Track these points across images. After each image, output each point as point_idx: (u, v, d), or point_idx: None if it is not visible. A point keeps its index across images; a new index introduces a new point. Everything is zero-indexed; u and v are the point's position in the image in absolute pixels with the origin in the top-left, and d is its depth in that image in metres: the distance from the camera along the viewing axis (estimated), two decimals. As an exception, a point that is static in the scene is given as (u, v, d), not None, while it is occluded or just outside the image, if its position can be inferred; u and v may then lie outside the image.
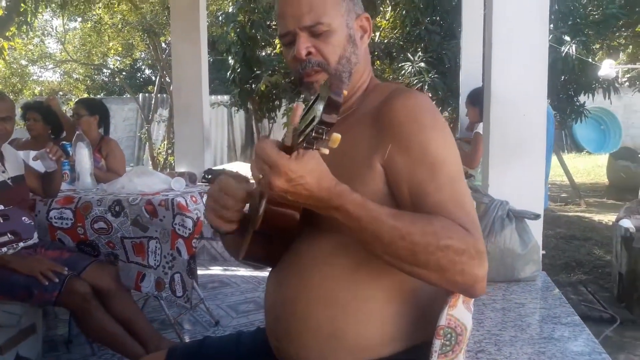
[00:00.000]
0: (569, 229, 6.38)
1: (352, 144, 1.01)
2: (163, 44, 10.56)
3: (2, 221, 1.09)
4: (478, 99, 3.54)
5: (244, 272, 3.87)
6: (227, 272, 3.94)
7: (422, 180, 0.96)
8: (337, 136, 0.79)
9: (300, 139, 0.81)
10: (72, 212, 2.55)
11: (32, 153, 2.77)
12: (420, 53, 7.00)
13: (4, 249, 1.09)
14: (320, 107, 0.76)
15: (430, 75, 6.55)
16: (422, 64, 6.71)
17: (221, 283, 3.70)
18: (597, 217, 7.20)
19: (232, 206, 1.01)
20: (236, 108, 8.61)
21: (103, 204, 2.52)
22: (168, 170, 8.58)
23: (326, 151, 0.82)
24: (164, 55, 10.07)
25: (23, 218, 1.11)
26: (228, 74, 7.90)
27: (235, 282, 3.71)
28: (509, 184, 2.14)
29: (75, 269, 2.26)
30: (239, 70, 7.59)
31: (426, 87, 6.62)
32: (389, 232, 0.89)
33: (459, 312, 1.01)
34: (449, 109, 7.28)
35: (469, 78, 4.46)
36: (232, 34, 7.73)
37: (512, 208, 1.97)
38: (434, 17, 7.28)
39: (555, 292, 1.96)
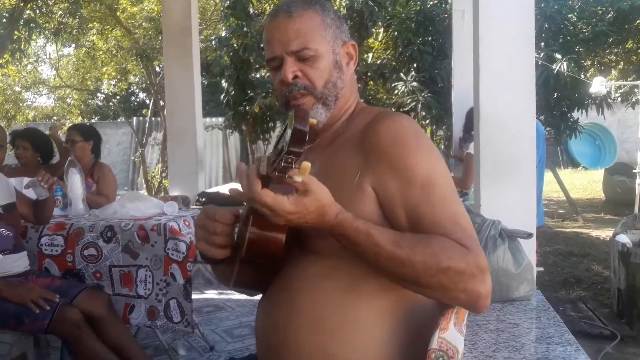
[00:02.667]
0: (566, 245, 6.36)
1: (341, 167, 1.02)
2: (157, 68, 10.63)
3: None
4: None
5: (238, 296, 3.83)
6: (222, 296, 3.90)
7: (415, 203, 0.97)
8: (306, 165, 0.81)
9: (273, 169, 0.83)
10: (63, 238, 2.53)
11: (24, 180, 2.76)
12: (413, 73, 7.07)
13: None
14: (287, 137, 0.78)
15: (423, 94, 6.60)
16: (415, 84, 6.77)
17: (216, 307, 3.66)
18: (594, 233, 7.19)
19: (221, 231, 1.01)
20: (230, 130, 8.64)
21: (95, 229, 2.50)
22: (162, 193, 8.56)
23: (299, 179, 0.83)
24: (157, 79, 10.12)
25: (1, 230, 1.10)
26: (222, 96, 7.94)
27: (230, 306, 3.67)
28: (500, 203, 2.15)
29: (67, 296, 2.25)
30: (232, 93, 7.64)
31: (420, 106, 6.67)
32: (388, 258, 0.91)
33: (451, 335, 1.00)
34: (444, 127, 7.33)
35: (461, 97, 4.50)
36: (226, 58, 7.80)
37: (505, 227, 1.96)
38: (426, 38, 7.37)
39: (549, 311, 1.94)
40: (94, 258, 2.49)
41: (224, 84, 7.88)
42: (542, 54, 6.22)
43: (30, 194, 2.53)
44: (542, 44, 6.46)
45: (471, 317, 1.81)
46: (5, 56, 7.71)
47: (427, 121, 7.27)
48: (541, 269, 2.79)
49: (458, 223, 0.96)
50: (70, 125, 3.85)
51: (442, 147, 7.90)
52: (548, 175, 8.02)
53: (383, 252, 0.91)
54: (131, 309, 2.46)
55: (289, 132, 0.80)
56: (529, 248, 2.06)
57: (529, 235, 1.97)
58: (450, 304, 0.98)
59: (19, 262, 2.35)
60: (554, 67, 6.05)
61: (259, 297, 1.15)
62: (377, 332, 0.99)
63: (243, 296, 3.77)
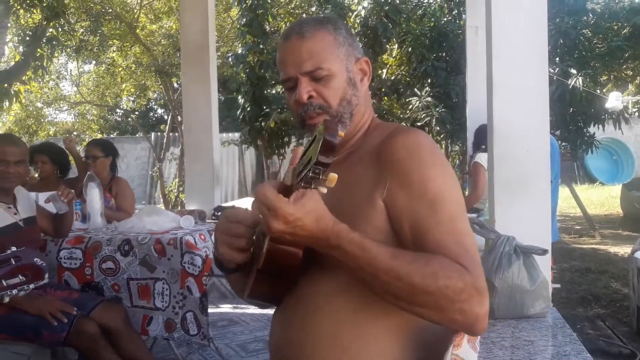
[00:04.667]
0: (584, 261, 6.26)
1: (354, 182, 1.03)
2: (175, 84, 10.81)
3: (14, 263, 1.10)
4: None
5: (253, 310, 3.84)
6: (237, 310, 3.91)
7: (422, 217, 0.97)
8: (333, 176, 0.81)
9: (299, 179, 0.84)
10: (82, 251, 2.57)
11: (44, 194, 2.82)
12: (427, 88, 7.09)
13: (15, 291, 1.10)
14: (317, 148, 0.79)
15: (438, 109, 6.61)
16: (430, 99, 6.79)
17: (230, 321, 3.68)
18: (612, 249, 7.07)
19: (242, 233, 1.01)
20: (246, 145, 8.73)
21: (113, 243, 2.54)
22: (179, 207, 8.64)
23: (324, 190, 0.84)
24: (175, 95, 10.29)
25: (35, 259, 1.13)
26: (238, 112, 8.05)
27: (244, 321, 3.68)
28: (515, 219, 2.13)
29: (84, 309, 2.28)
30: (248, 109, 7.75)
31: (434, 120, 6.68)
32: (386, 272, 0.90)
33: (464, 352, 1.00)
34: (459, 142, 7.31)
35: (475, 112, 4.50)
36: (242, 74, 7.92)
37: (519, 244, 1.95)
38: (440, 53, 7.40)
39: (566, 329, 1.92)
40: (112, 271, 2.53)
41: (240, 100, 7.99)
42: (557, 69, 6.21)
43: (50, 207, 2.59)
44: (557, 59, 6.44)
45: (486, 334, 1.80)
46: (28, 73, 7.91)
47: (442, 136, 7.27)
48: (557, 285, 2.75)
49: (461, 243, 0.95)
50: (90, 140, 3.92)
51: (458, 162, 7.88)
52: (564, 191, 7.94)
53: (379, 264, 0.90)
54: (149, 320, 2.49)
55: (315, 145, 0.81)
56: (545, 264, 2.05)
57: (544, 252, 1.96)
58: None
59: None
60: (569, 82, 6.02)
61: (272, 311, 1.16)
62: (391, 349, 0.99)
63: (258, 310, 3.80)
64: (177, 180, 10.31)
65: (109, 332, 2.28)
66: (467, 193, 4.14)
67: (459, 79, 6.63)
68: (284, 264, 0.98)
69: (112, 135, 15.10)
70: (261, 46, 7.57)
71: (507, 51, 2.19)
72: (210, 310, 2.51)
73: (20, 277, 1.10)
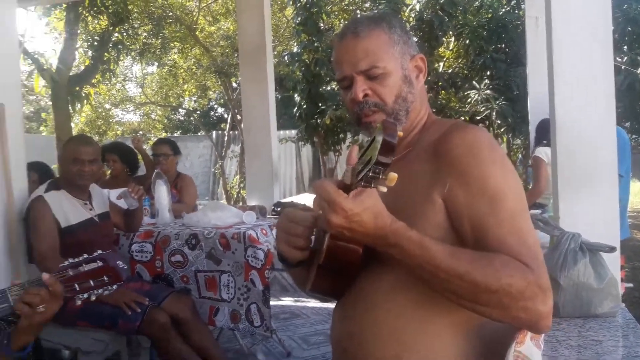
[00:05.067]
0: (658, 259, 5.93)
1: (412, 179, 1.03)
2: (234, 84, 11.07)
3: (100, 264, 1.20)
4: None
5: (314, 303, 3.92)
6: (298, 304, 4.00)
7: (482, 215, 0.96)
8: (393, 175, 0.83)
9: (359, 179, 0.86)
10: (152, 245, 2.72)
11: (116, 191, 2.99)
12: (486, 81, 6.92)
13: (100, 291, 1.20)
14: (376, 148, 0.81)
15: (498, 102, 6.44)
16: (489, 92, 6.62)
17: (292, 314, 3.76)
18: (689, 247, 6.65)
19: (301, 233, 1.04)
20: (303, 142, 8.84)
21: (180, 237, 2.67)
22: (240, 203, 8.87)
23: (384, 189, 0.86)
24: (234, 95, 10.54)
25: (118, 262, 1.23)
26: (294, 110, 8.16)
27: (305, 314, 3.75)
28: (580, 215, 2.06)
29: (156, 300, 2.40)
30: (304, 106, 7.84)
31: (494, 114, 6.51)
32: (446, 270, 0.90)
33: (527, 349, 0.99)
34: (521, 136, 7.09)
35: (537, 104, 4.36)
36: (298, 73, 8.03)
37: (585, 240, 1.89)
38: (499, 45, 7.20)
39: (638, 329, 1.85)
40: (180, 264, 2.65)
41: (297, 97, 8.10)
42: (626, 58, 5.90)
43: (122, 204, 2.74)
44: (625, 47, 6.12)
45: (551, 332, 1.76)
46: (97, 76, 8.35)
47: (503, 130, 7.07)
48: (630, 285, 2.62)
49: (523, 241, 0.94)
50: (158, 139, 4.10)
51: (520, 156, 7.64)
52: (636, 186, 7.52)
53: (439, 262, 0.90)
54: (216, 311, 2.60)
55: (374, 145, 0.82)
56: (613, 262, 1.97)
57: (612, 249, 1.88)
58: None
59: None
60: (639, 71, 5.71)
61: (333, 305, 1.18)
62: (451, 345, 0.99)
63: (318, 304, 3.87)
64: (237, 176, 10.58)
65: (178, 322, 2.39)
66: (529, 188, 4.01)
67: (519, 71, 6.44)
68: (344, 260, 1.00)
69: (175, 134, 15.65)
70: (316, 44, 7.64)
71: (568, 41, 2.12)
72: (272, 302, 2.58)
73: (105, 278, 1.19)
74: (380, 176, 0.83)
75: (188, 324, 2.41)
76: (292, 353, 2.96)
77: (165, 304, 2.41)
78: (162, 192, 3.05)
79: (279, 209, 3.56)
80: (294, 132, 9.77)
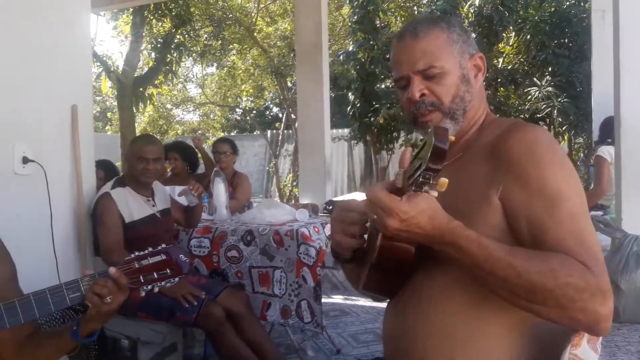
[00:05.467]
0: None
1: (469, 179, 1.03)
2: (289, 84, 11.23)
3: (163, 257, 1.26)
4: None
5: (364, 302, 3.93)
6: (348, 302, 4.02)
7: (540, 215, 0.94)
8: (444, 181, 0.83)
9: (410, 182, 0.87)
10: (209, 240, 2.81)
11: (177, 188, 3.12)
12: (547, 77, 6.68)
13: (163, 283, 1.26)
14: (427, 153, 0.81)
15: (559, 99, 6.20)
16: (550, 89, 6.39)
17: (342, 312, 3.78)
18: None
19: (357, 220, 1.06)
20: (355, 141, 8.84)
21: (237, 233, 2.75)
22: (293, 201, 8.99)
23: (435, 194, 0.86)
24: (290, 94, 10.69)
25: (180, 256, 1.29)
26: (348, 108, 8.18)
27: (355, 312, 3.77)
28: (645, 217, 1.98)
29: (212, 294, 2.47)
30: (358, 105, 7.85)
31: (556, 112, 6.28)
32: (503, 270, 0.89)
33: (584, 352, 0.96)
34: (583, 134, 6.81)
35: (602, 102, 4.17)
36: (352, 71, 8.04)
37: (650, 244, 1.81)
38: (562, 40, 6.93)
39: None
40: (236, 259, 2.73)
41: (351, 96, 8.12)
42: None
43: (182, 200, 2.85)
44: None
45: (610, 337, 1.71)
46: (160, 77, 8.70)
47: (564, 128, 6.81)
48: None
49: (583, 241, 0.92)
50: (220, 138, 4.24)
51: (582, 155, 7.34)
52: None
53: (496, 261, 0.89)
54: (268, 306, 2.66)
55: (426, 148, 0.83)
56: (680, 267, 1.88)
57: (679, 253, 1.80)
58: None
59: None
60: None
61: (383, 304, 1.19)
62: (506, 346, 0.98)
63: (369, 302, 3.88)
64: (291, 175, 10.73)
65: (232, 316, 2.45)
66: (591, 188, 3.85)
67: (583, 67, 6.17)
68: (396, 259, 1.00)
69: (232, 134, 16.06)
70: (372, 42, 7.63)
71: (637, 36, 2.03)
72: (322, 300, 2.61)
73: (168, 271, 1.25)
74: (431, 181, 0.83)
75: (242, 318, 2.47)
76: (342, 350, 2.98)
77: (220, 298, 2.47)
78: (220, 190, 3.15)
79: (330, 207, 3.60)
80: (346, 130, 9.80)
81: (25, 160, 2.29)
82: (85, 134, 2.57)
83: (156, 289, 1.26)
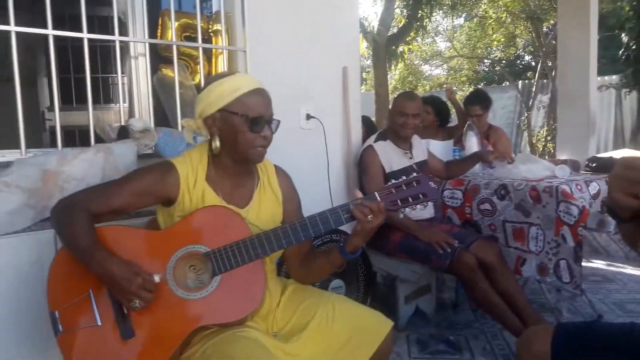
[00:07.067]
0: None
1: None
2: (545, 29, 10.27)
3: (415, 185, 1.43)
4: None
5: (632, 270, 3.55)
6: (611, 268, 3.68)
7: None
8: None
9: None
10: (462, 192, 2.90)
11: (432, 141, 3.25)
12: None
13: (417, 206, 1.44)
14: None
15: None
16: None
17: (604, 278, 3.50)
18: None
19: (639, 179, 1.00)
20: (627, 90, 7.69)
21: (490, 187, 2.77)
22: (546, 157, 8.38)
23: None
24: (546, 41, 9.79)
25: (430, 183, 1.45)
26: (620, 52, 7.13)
27: (620, 279, 3.44)
28: None
29: (464, 243, 2.57)
30: (633, 47, 6.77)
31: None
32: None
33: None
34: None
35: None
36: (627, 8, 6.93)
37: None
38: None
39: None
40: (488, 212, 2.77)
41: (624, 37, 7.05)
42: None
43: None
44: None
45: None
46: (411, 34, 8.90)
47: None
48: None
49: None
50: (472, 92, 4.15)
51: None
52: None
53: None
54: (523, 262, 2.63)
55: None
56: None
57: None
58: None
59: (426, 210, 2.82)
60: None
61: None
62: None
63: (637, 272, 3.49)
64: (545, 128, 9.96)
65: (485, 266, 2.50)
66: None
67: None
68: None
69: (479, 86, 15.53)
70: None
71: None
72: (582, 263, 2.48)
73: (421, 196, 1.42)
74: None
75: (494, 268, 2.50)
76: (604, 317, 2.79)
77: (473, 247, 2.54)
78: (472, 143, 3.18)
79: (594, 164, 3.28)
80: (615, 77, 8.57)
81: (308, 117, 2.70)
82: (353, 93, 2.87)
83: (400, 215, 1.46)
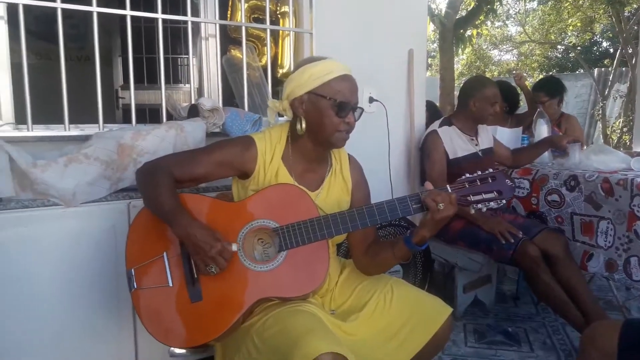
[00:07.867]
0: None
1: None
2: (627, 13, 9.63)
3: (491, 181, 1.39)
4: None
5: None
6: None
7: None
8: None
9: None
10: (529, 182, 2.80)
11: (500, 129, 3.15)
12: None
13: (492, 204, 1.39)
14: None
15: None
16: None
17: (680, 279, 3.29)
18: None
19: None
20: None
21: (559, 177, 2.66)
22: (622, 149, 7.92)
23: None
24: (627, 26, 9.18)
25: (506, 180, 1.39)
26: None
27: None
28: None
29: (528, 234, 2.49)
30: None
31: None
32: None
33: None
34: None
35: None
36: None
37: None
38: None
39: None
40: (556, 204, 2.66)
41: None
42: None
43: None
44: None
45: None
46: (480, 17, 8.60)
47: None
48: None
49: None
50: (537, 81, 4.00)
51: None
52: None
53: None
54: (589, 257, 2.52)
55: None
56: None
57: None
58: None
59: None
60: None
61: None
62: None
63: None
64: (621, 119, 9.40)
65: (549, 258, 2.42)
66: None
67: None
68: None
69: (551, 73, 14.82)
70: None
71: None
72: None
73: (495, 194, 1.37)
74: None
75: (559, 261, 2.42)
76: (679, 319, 2.63)
77: (537, 239, 2.47)
78: (542, 131, 3.06)
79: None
80: None
81: (371, 100, 2.69)
82: (418, 76, 2.83)
83: (484, 209, 1.40)
